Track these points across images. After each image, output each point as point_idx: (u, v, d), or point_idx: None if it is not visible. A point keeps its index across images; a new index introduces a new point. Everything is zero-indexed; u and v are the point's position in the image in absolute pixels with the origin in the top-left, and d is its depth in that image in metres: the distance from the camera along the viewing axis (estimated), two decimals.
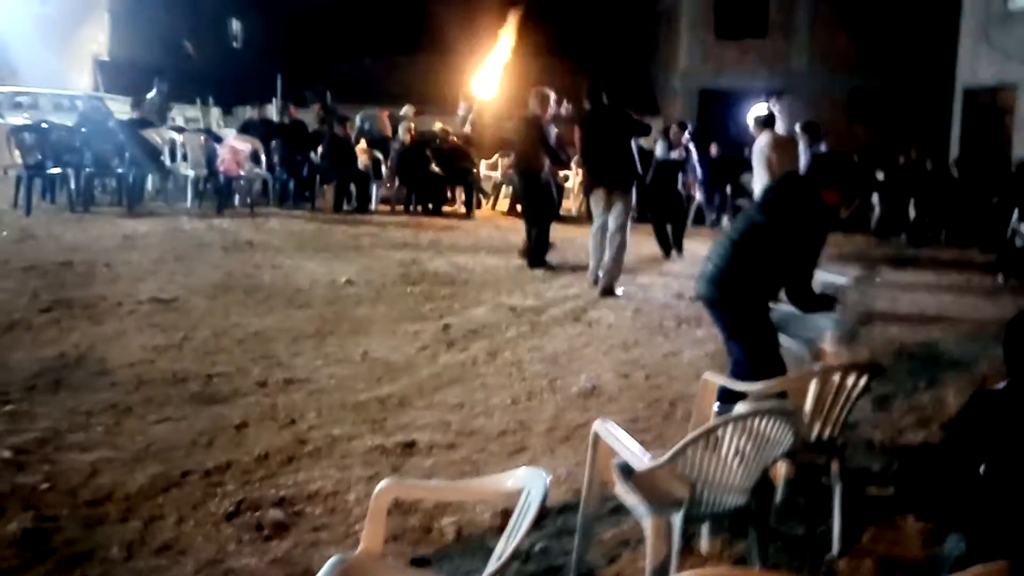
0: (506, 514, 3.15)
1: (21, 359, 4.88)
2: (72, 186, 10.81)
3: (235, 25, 28.21)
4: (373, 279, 7.84)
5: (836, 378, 3.25)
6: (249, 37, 27.94)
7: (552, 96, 8.86)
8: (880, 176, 13.87)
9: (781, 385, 3.45)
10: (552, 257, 9.10)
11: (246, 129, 13.62)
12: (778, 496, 3.50)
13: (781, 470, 3.47)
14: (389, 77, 23.59)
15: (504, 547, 2.00)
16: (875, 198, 13.55)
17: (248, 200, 12.18)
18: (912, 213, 13.26)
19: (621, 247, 7.84)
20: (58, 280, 6.85)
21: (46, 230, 9.05)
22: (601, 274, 7.91)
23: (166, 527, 3.16)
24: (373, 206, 13.18)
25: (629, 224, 8.00)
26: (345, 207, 12.82)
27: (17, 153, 10.50)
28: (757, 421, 2.60)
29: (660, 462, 2.60)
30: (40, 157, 10.60)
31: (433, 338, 5.97)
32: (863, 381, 3.24)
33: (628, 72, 23.64)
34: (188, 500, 3.37)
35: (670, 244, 10.51)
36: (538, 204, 9.19)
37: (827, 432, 3.31)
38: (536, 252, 8.94)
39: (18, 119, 13.19)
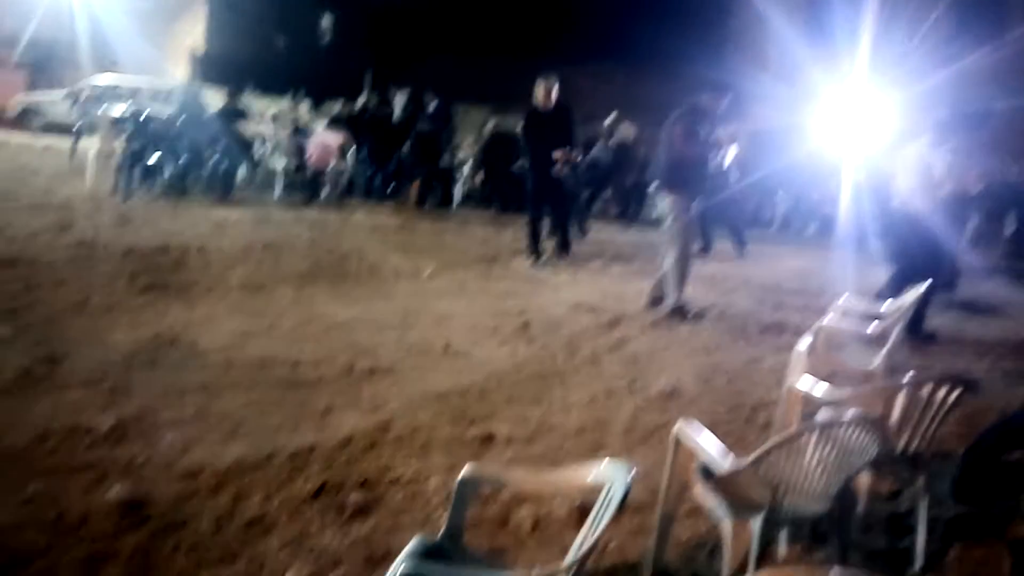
0: (582, 509, 3.16)
1: (120, 339, 5.08)
2: (168, 174, 11.25)
3: (326, 20, 28.82)
4: (455, 274, 7.91)
5: (927, 390, 3.15)
6: (339, 32, 28.50)
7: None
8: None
9: (868, 394, 3.37)
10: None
11: (335, 123, 13.91)
12: (860, 507, 3.41)
13: (865, 481, 3.38)
14: (476, 75, 23.74)
15: (584, 538, 2.00)
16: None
17: (335, 193, 12.43)
18: (1009, 227, 12.77)
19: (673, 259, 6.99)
20: (154, 264, 7.12)
21: (144, 216, 9.41)
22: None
23: (253, 504, 3.25)
24: (456, 202, 13.30)
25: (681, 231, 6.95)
26: (429, 202, 12.97)
27: (118, 142, 10.97)
28: (842, 429, 2.56)
29: (743, 465, 2.57)
30: (141, 145, 11.03)
31: (513, 333, 6.00)
32: (955, 395, 3.12)
33: None
34: (274, 479, 3.46)
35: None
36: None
37: (914, 445, 3.20)
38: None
39: (120, 108, 13.75)
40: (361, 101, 14.90)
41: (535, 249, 8.98)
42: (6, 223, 8.00)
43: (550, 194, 8.95)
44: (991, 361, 6.28)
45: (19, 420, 3.78)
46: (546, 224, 9.33)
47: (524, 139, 8.95)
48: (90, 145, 12.12)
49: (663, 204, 7.00)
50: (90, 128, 13.39)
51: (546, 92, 8.63)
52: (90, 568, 2.75)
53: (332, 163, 12.41)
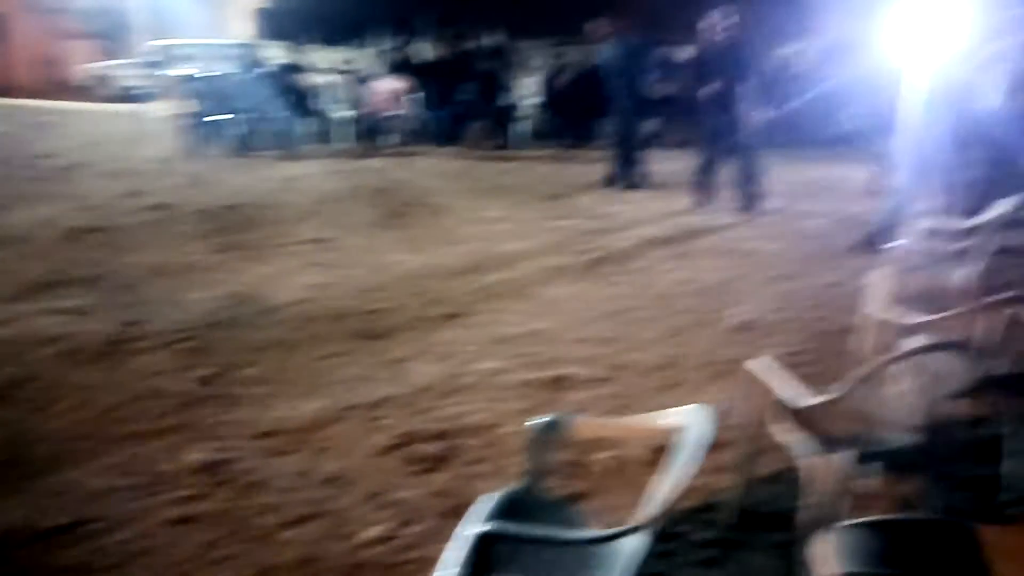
0: (659, 450, 3.09)
1: (198, 298, 5.20)
2: (235, 132, 11.39)
3: None
4: (522, 214, 7.84)
5: (1019, 308, 3.04)
6: None
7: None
8: None
9: (955, 317, 3.25)
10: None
11: (397, 68, 13.82)
12: (952, 435, 3.28)
13: (956, 407, 3.25)
14: (540, 9, 23.17)
15: (668, 486, 1.95)
16: None
17: (399, 139, 12.41)
18: None
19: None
20: (226, 223, 7.26)
21: (214, 176, 9.58)
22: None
23: (334, 457, 3.29)
24: (523, 142, 13.14)
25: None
26: (495, 143, 12.83)
27: (185, 103, 11.14)
28: (930, 356, 2.48)
29: (828, 399, 2.50)
30: (207, 106, 11.18)
31: (583, 271, 5.93)
32: None
33: None
34: (353, 433, 3.50)
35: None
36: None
37: (1005, 367, 3.07)
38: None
39: (183, 71, 13.93)
40: (426, 43, 14.76)
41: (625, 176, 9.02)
42: (85, 191, 8.23)
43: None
44: None
45: (106, 384, 3.91)
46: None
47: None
48: (159, 109, 12.36)
49: None
50: (158, 93, 13.65)
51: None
52: (177, 530, 2.83)
53: (395, 109, 12.36)
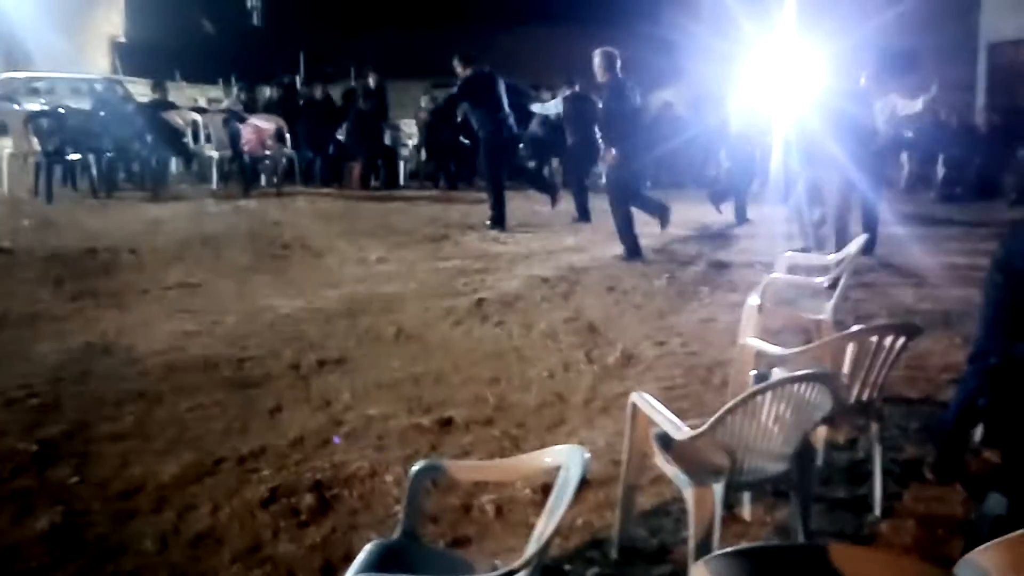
0: (546, 490, 3.05)
1: (46, 350, 4.82)
2: (93, 172, 10.76)
3: (254, 1, 27.99)
4: (404, 255, 7.73)
5: (874, 339, 3.17)
6: (267, 12, 27.70)
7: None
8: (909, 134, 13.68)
9: (818, 348, 3.41)
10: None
11: (269, 108, 13.52)
12: (818, 459, 3.43)
13: (821, 433, 3.40)
14: (412, 49, 23.33)
15: (544, 526, 1.97)
16: (904, 156, 13.40)
17: (274, 180, 12.08)
18: (940, 170, 13.06)
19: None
20: (82, 268, 6.81)
21: (68, 217, 9.02)
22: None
23: (201, 516, 3.08)
24: (401, 182, 13.06)
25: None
26: (373, 183, 12.68)
27: (35, 140, 10.45)
28: (796, 386, 2.54)
29: (699, 432, 2.54)
30: (59, 143, 10.51)
31: (467, 313, 5.86)
32: (901, 342, 3.15)
33: None
34: (222, 488, 3.29)
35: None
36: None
37: (866, 394, 3.23)
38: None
39: (35, 105, 13.16)
40: (296, 82, 14.51)
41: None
42: None
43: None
44: (932, 300, 6.42)
45: None
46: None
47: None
48: (4, 145, 11.56)
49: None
50: (3, 128, 12.82)
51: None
52: None
53: (269, 149, 12.04)
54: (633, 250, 7.79)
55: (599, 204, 9.22)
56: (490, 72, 9.30)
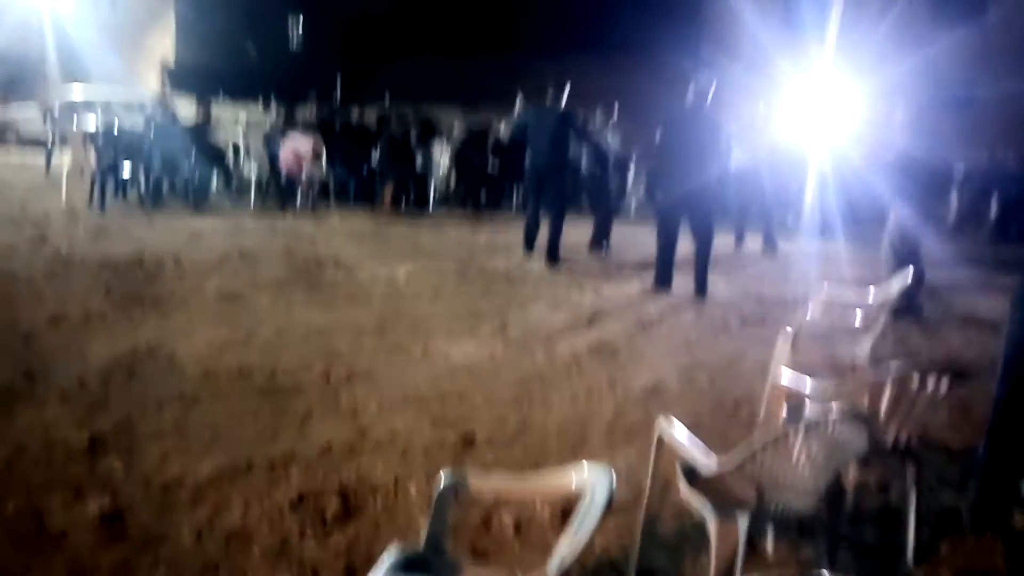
0: (565, 510, 3.13)
1: (97, 350, 5.04)
2: (142, 186, 11.29)
3: (296, 25, 28.68)
4: (431, 277, 7.90)
5: (915, 381, 3.05)
6: (309, 37, 28.37)
7: None
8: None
9: (855, 386, 3.30)
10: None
11: (307, 129, 13.85)
12: (849, 501, 3.35)
13: (853, 474, 3.33)
14: (445, 74, 23.67)
15: (566, 549, 1.95)
16: (952, 194, 13.05)
17: (309, 199, 12.37)
18: (994, 209, 12.77)
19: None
20: (130, 276, 7.07)
21: (119, 228, 9.33)
22: None
23: (233, 515, 3.23)
24: (431, 205, 13.29)
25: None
26: (404, 206, 12.93)
27: (92, 155, 10.91)
28: (830, 425, 2.49)
29: (728, 466, 2.52)
30: (113, 159, 11.00)
31: (491, 334, 6.00)
32: (944, 385, 3.02)
33: None
34: (254, 489, 3.44)
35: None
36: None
37: (903, 437, 3.13)
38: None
39: (92, 122, 13.63)
40: (333, 106, 14.82)
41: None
42: None
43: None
44: (980, 344, 6.28)
45: None
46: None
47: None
48: (64, 159, 12.03)
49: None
50: (63, 142, 13.29)
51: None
52: None
53: (305, 169, 12.35)
54: (663, 278, 7.78)
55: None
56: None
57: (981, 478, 3.38)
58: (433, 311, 6.61)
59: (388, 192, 12.92)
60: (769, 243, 10.59)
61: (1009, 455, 3.34)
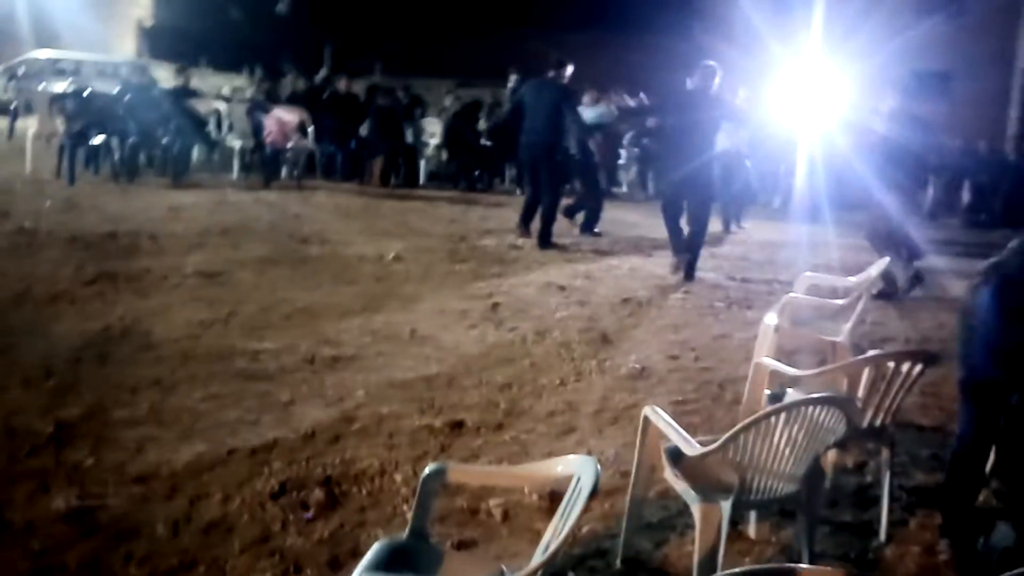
0: (553, 496, 3.12)
1: (65, 331, 4.87)
2: (116, 156, 10.83)
3: None
4: (421, 256, 7.76)
5: (891, 365, 3.19)
6: (296, 3, 27.74)
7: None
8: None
9: (835, 371, 3.42)
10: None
11: (293, 100, 13.57)
12: (827, 482, 3.40)
13: (830, 456, 3.39)
14: (437, 48, 23.38)
15: (552, 536, 1.99)
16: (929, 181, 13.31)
17: (295, 173, 12.13)
18: (966, 196, 13.01)
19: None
20: (102, 251, 6.87)
21: (90, 200, 9.09)
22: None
23: (212, 505, 3.12)
24: (422, 180, 13.10)
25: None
26: (393, 181, 12.72)
27: (60, 121, 10.50)
28: (811, 409, 2.56)
29: (711, 449, 2.56)
30: (83, 125, 10.52)
31: (481, 316, 5.89)
32: (918, 369, 3.16)
33: None
34: (234, 478, 3.32)
35: None
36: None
37: (879, 419, 3.24)
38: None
39: (60, 86, 13.23)
40: (320, 76, 14.52)
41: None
42: None
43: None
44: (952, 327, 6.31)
45: None
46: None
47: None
48: (29, 125, 11.63)
49: None
50: (29, 107, 12.88)
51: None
52: None
53: (291, 141, 12.09)
54: (678, 250, 7.73)
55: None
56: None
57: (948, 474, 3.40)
58: (422, 292, 6.48)
59: (377, 167, 12.68)
60: (724, 221, 10.56)
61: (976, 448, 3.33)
